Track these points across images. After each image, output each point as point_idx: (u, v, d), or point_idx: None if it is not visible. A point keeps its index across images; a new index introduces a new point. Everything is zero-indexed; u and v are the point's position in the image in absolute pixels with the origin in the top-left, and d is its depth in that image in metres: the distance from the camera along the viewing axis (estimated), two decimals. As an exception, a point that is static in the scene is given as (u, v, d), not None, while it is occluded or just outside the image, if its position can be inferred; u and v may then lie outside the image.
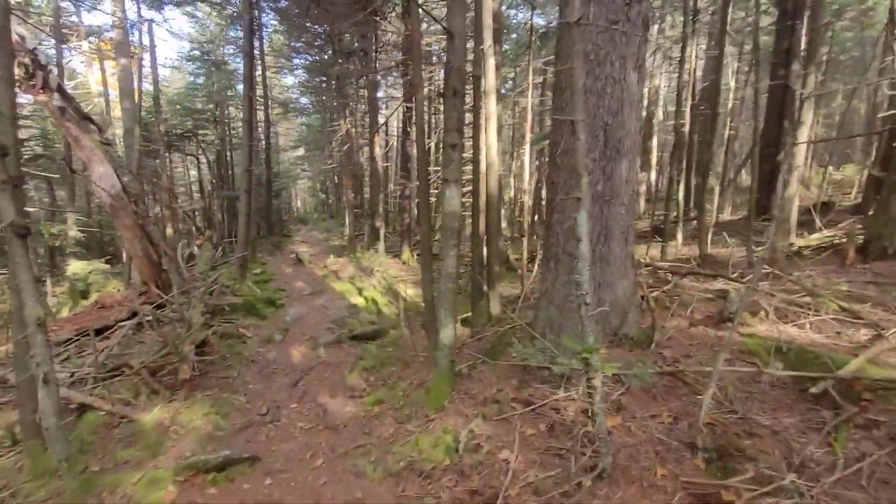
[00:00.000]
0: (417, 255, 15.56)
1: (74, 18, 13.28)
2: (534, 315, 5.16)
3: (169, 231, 11.97)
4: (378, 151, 13.82)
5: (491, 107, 7.07)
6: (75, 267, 10.21)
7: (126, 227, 7.82)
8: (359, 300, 10.95)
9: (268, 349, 7.61)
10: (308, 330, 8.79)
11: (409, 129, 14.04)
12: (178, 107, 17.43)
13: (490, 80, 6.93)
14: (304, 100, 28.36)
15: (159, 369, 5.84)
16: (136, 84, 13.92)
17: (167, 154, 17.77)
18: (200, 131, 17.99)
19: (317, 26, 17.51)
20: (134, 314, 7.97)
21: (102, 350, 6.59)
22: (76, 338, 7.25)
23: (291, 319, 9.30)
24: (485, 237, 7.65)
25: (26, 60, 7.13)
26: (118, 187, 7.69)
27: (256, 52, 17.58)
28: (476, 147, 7.22)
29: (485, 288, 7.59)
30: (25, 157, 12.95)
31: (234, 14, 16.04)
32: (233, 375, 6.17)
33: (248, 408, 5.21)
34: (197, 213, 19.85)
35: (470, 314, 7.92)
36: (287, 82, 27.70)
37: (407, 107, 14.42)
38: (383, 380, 5.64)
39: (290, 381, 6.03)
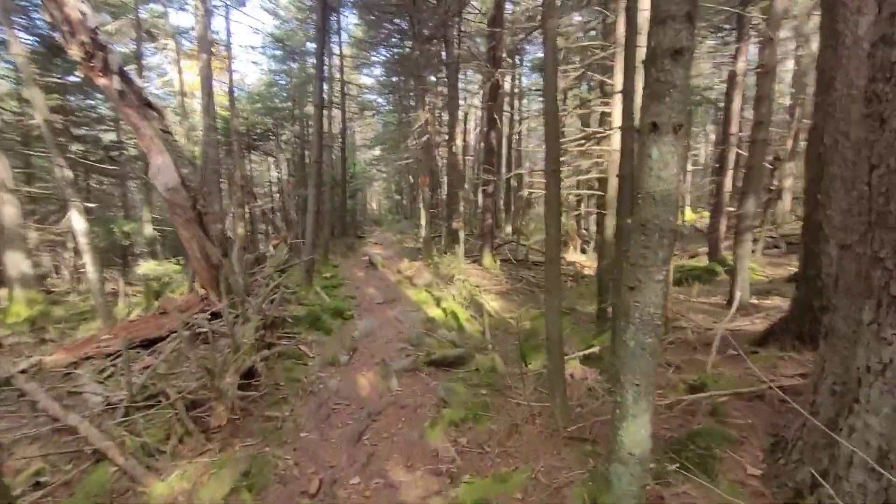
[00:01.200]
0: (501, 260, 13.79)
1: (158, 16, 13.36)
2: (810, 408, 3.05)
3: (241, 230, 11.29)
4: (459, 143, 12.31)
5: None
6: (146, 267, 9.77)
7: (183, 224, 6.92)
8: (436, 312, 9.42)
9: (330, 374, 6.28)
10: (378, 350, 7.39)
11: (494, 116, 12.36)
12: (258, 105, 17.33)
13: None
14: (381, 100, 27.84)
15: (199, 403, 4.65)
16: (217, 81, 13.53)
17: (246, 152, 17.69)
18: (279, 130, 17.74)
19: (396, 20, 16.53)
20: (189, 325, 7.06)
21: (145, 368, 5.60)
22: (134, 349, 6.43)
23: (360, 335, 7.98)
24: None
25: (86, 39, 6.41)
26: (176, 180, 6.80)
27: (334, 37, 16.93)
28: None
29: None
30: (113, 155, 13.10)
31: (312, 6, 15.44)
32: (284, 415, 4.83)
33: (295, 475, 3.78)
34: (276, 212, 19.71)
35: (598, 346, 5.96)
36: (365, 82, 27.38)
37: (491, 94, 12.74)
38: (480, 447, 3.96)
39: (354, 432, 4.55)
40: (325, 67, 12.86)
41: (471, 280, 10.89)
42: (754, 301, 6.50)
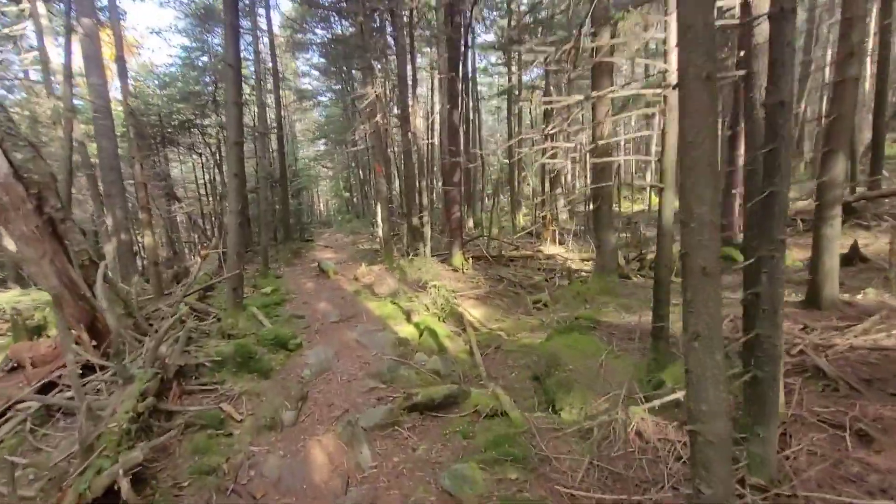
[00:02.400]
0: (473, 258, 12.03)
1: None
2: None
3: (148, 240, 8.78)
4: (419, 125, 10.41)
5: None
6: (7, 297, 7.14)
7: (23, 237, 4.56)
8: (408, 330, 7.52)
9: (268, 447, 4.23)
10: (338, 394, 5.40)
11: (457, 89, 10.56)
12: (172, 90, 14.50)
13: None
14: (321, 86, 25.23)
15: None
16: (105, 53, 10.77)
17: (161, 147, 14.82)
18: (202, 119, 14.99)
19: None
20: (48, 385, 4.77)
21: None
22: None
23: (312, 373, 5.92)
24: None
25: None
26: (4, 171, 4.44)
27: (263, 12, 14.43)
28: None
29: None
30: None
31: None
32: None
33: None
34: (206, 218, 16.87)
35: (675, 385, 4.22)
36: (302, 69, 24.63)
37: (451, 64, 10.92)
38: None
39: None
40: (244, 22, 10.48)
41: (445, 285, 9.04)
42: (845, 297, 5.10)
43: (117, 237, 10.35)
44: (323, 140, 30.41)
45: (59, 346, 5.48)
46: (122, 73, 8.76)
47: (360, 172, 24.18)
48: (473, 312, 8.46)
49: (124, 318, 5.17)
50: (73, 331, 4.98)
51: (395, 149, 14.55)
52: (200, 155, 15.99)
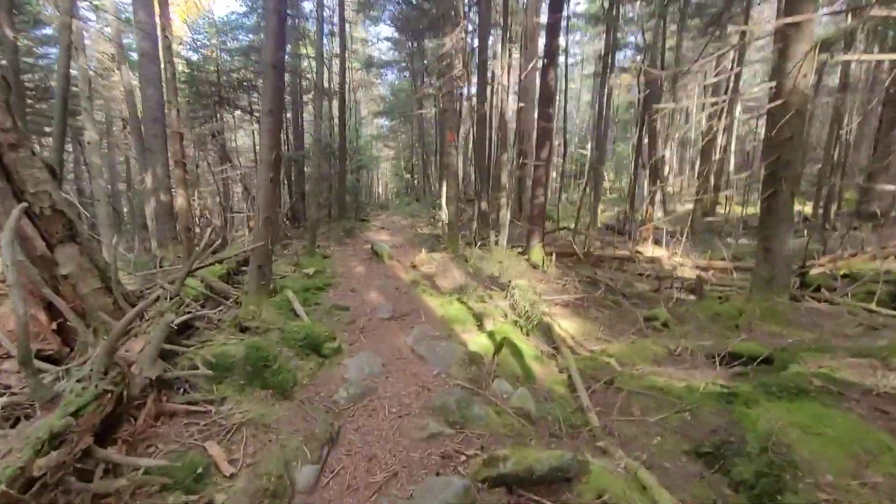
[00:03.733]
0: (555, 254, 9.89)
1: None
2: None
3: (181, 200, 7.47)
4: (506, 81, 8.24)
5: None
6: None
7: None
8: (480, 342, 5.61)
9: (263, 543, 2.49)
10: (382, 438, 3.60)
11: (557, 41, 8.39)
12: (231, 43, 13.44)
13: None
14: (390, 62, 23.71)
15: None
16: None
17: (218, 108, 13.82)
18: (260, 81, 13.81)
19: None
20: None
21: None
22: None
23: (349, 398, 4.16)
24: None
25: None
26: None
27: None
28: None
29: None
30: None
31: None
32: None
33: None
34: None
35: None
36: (369, 39, 23.21)
37: (553, 4, 8.74)
38: None
39: None
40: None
41: (530, 285, 7.00)
42: None
43: (156, 197, 9.23)
44: (386, 119, 29.07)
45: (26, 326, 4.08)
46: (164, 4, 7.42)
47: (424, 153, 22.50)
48: (565, 325, 6.39)
49: (97, 295, 3.65)
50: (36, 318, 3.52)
51: (473, 119, 12.59)
52: (259, 121, 14.90)
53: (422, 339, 5.63)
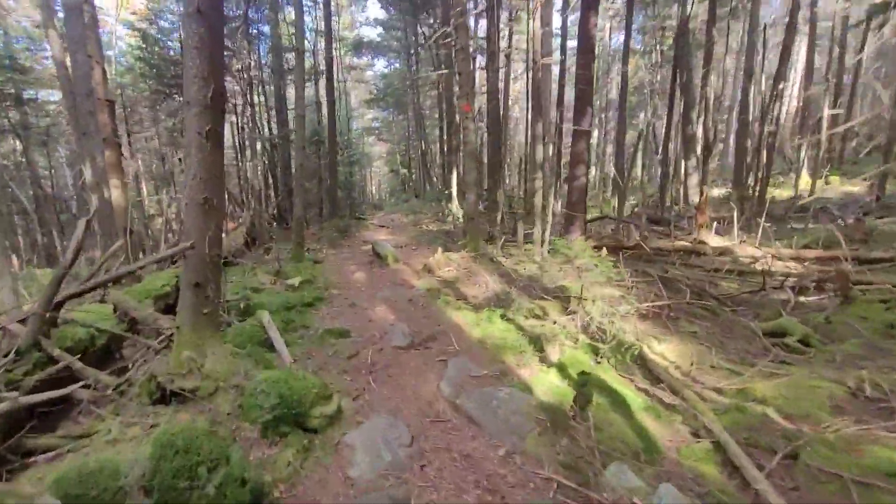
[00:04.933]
0: (599, 248, 7.98)
1: None
2: None
3: (117, 194, 5.51)
4: (536, 29, 6.30)
5: None
6: None
7: None
8: (549, 382, 3.70)
9: None
10: None
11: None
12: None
13: None
14: (381, 46, 21.67)
15: None
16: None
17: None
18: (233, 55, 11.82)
19: None
20: None
21: None
22: None
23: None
24: None
25: None
26: None
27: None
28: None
29: None
30: None
31: None
32: None
33: None
34: (243, 185, 13.87)
35: None
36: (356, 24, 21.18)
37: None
38: None
39: None
40: None
41: (605, 293, 5.05)
42: None
43: (99, 192, 7.21)
44: (378, 110, 27.09)
45: None
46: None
47: (423, 143, 20.53)
48: (659, 348, 4.47)
49: None
50: None
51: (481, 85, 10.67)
52: (234, 106, 12.92)
53: (463, 382, 3.69)
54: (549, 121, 8.57)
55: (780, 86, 13.42)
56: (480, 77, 16.99)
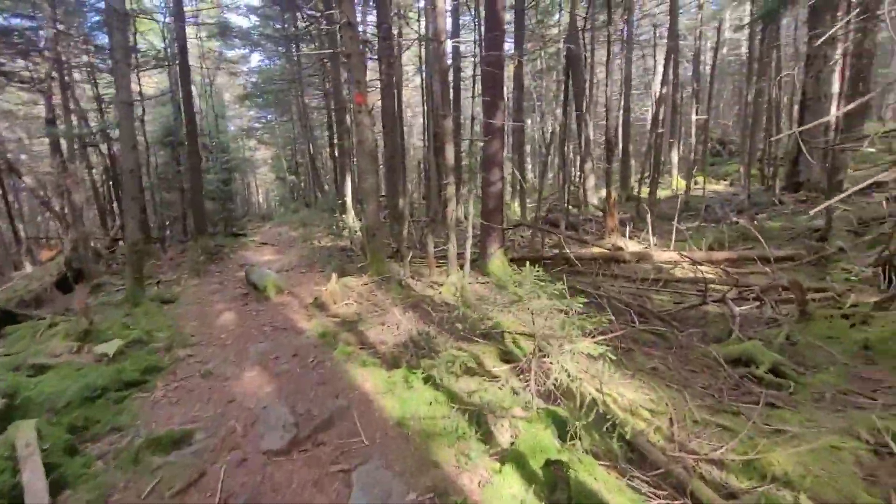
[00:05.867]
0: (514, 259, 7.07)
1: None
2: None
3: None
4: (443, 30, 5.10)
5: None
6: None
7: None
8: (507, 493, 2.45)
9: None
10: None
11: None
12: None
13: None
14: (258, 36, 19.00)
15: None
16: None
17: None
18: (58, 35, 8.85)
19: None
20: None
21: None
22: None
23: None
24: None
25: None
26: None
27: None
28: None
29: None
30: None
31: None
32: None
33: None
34: (65, 196, 10.64)
35: None
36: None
37: None
38: None
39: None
40: None
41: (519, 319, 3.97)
42: None
43: None
44: (256, 107, 24.12)
45: None
46: None
47: (311, 146, 18.39)
48: (626, 398, 3.50)
49: None
50: None
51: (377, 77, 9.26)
52: (52, 96, 9.76)
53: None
54: (452, 115, 7.45)
55: (663, 90, 14.10)
56: (373, 70, 15.53)
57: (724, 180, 19.07)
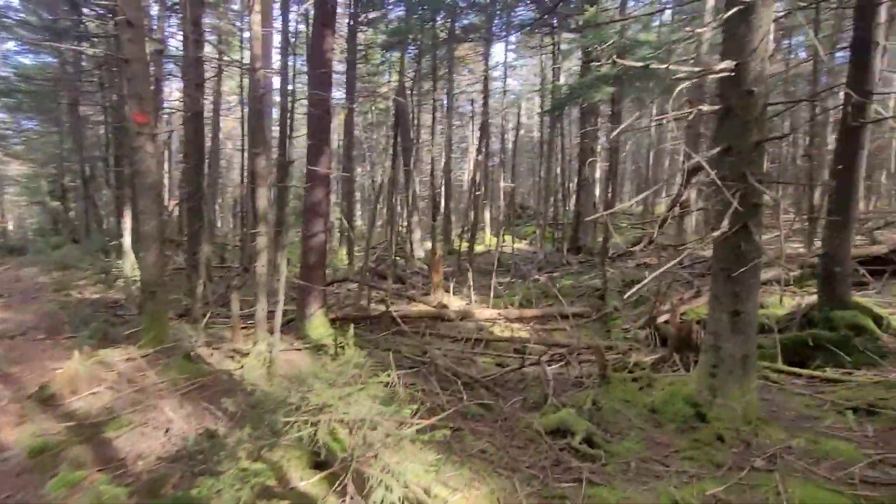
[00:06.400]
0: (336, 319, 6.39)
1: None
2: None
3: None
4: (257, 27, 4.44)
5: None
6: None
7: None
8: None
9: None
10: None
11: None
12: None
13: None
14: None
15: None
16: None
17: None
18: None
19: None
20: None
21: None
22: None
23: None
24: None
25: None
26: None
27: None
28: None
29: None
30: None
31: None
32: None
33: None
34: None
35: None
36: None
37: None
38: None
39: None
40: None
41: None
42: None
43: None
44: (8, 115, 18.55)
45: None
46: None
47: (86, 167, 14.63)
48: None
49: None
50: None
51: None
52: None
53: None
54: (270, 154, 6.61)
55: (478, 157, 15.63)
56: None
57: (525, 240, 21.92)
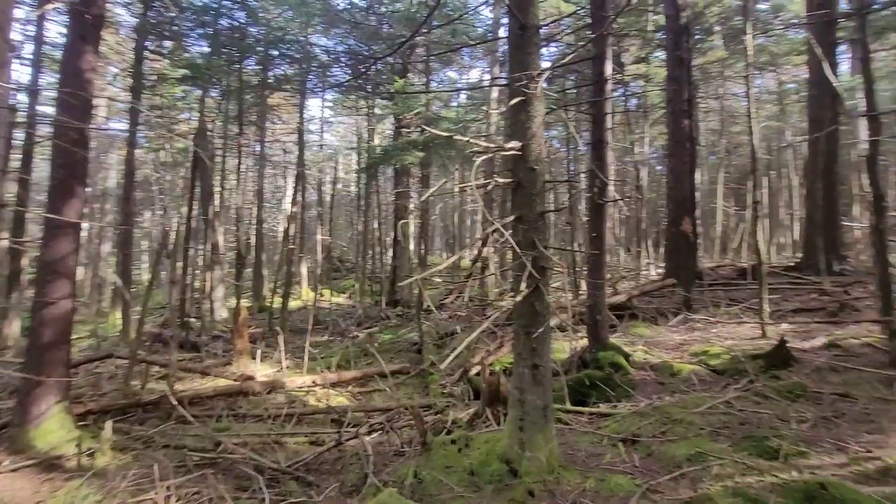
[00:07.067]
0: (91, 414, 4.82)
1: None
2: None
3: None
4: None
5: None
6: None
7: None
8: None
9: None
10: None
11: None
12: None
13: None
14: None
15: None
16: None
17: None
18: None
19: None
20: None
21: None
22: None
23: None
24: None
25: None
26: None
27: None
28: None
29: None
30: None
31: None
32: None
33: None
34: None
35: None
36: None
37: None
38: None
39: None
40: None
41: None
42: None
43: None
44: None
45: None
46: None
47: None
48: None
49: None
50: None
51: None
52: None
53: None
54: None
55: (293, 209, 14.83)
56: None
57: (344, 293, 21.34)
